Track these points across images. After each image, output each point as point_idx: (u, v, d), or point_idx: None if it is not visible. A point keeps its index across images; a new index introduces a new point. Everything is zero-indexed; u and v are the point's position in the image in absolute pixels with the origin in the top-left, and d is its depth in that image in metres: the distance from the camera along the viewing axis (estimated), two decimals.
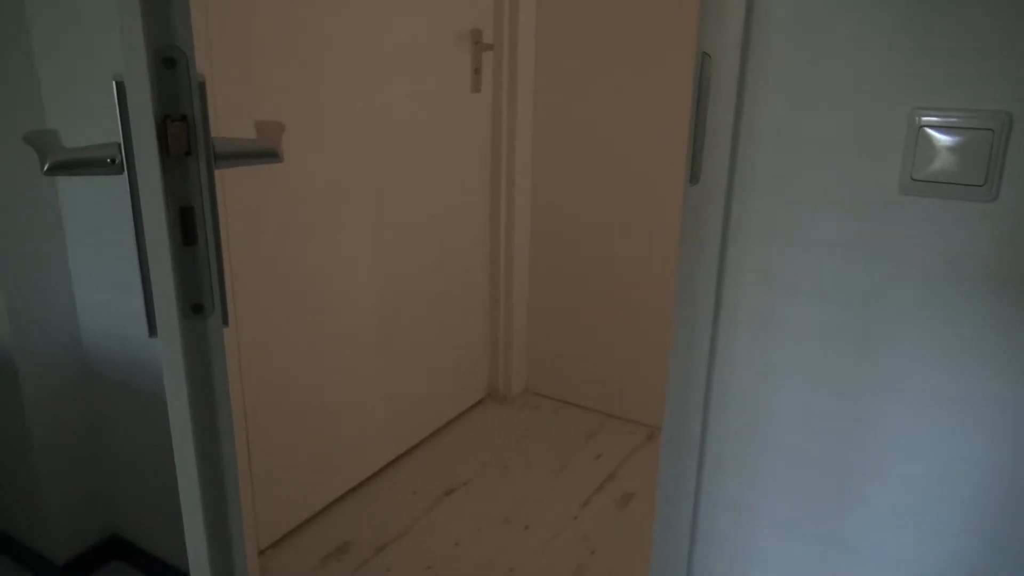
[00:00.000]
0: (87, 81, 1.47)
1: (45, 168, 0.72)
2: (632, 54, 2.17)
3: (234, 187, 1.59)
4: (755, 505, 1.08)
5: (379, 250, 2.01)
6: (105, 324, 1.65)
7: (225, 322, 0.75)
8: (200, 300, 0.72)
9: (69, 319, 1.69)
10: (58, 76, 1.52)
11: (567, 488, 2.12)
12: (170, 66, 0.68)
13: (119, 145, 0.73)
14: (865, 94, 0.91)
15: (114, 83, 0.70)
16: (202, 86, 0.71)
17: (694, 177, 1.05)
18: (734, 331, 1.04)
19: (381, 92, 1.91)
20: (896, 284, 0.93)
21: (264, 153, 0.77)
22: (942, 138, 0.88)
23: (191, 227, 0.70)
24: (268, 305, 1.74)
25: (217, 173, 0.76)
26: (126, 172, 0.72)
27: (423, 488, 2.12)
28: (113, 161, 0.72)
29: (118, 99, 0.70)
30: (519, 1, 2.23)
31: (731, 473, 1.09)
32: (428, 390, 2.30)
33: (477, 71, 2.21)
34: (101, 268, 1.61)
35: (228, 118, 1.52)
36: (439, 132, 2.13)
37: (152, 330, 0.74)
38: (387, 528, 1.96)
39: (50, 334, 1.66)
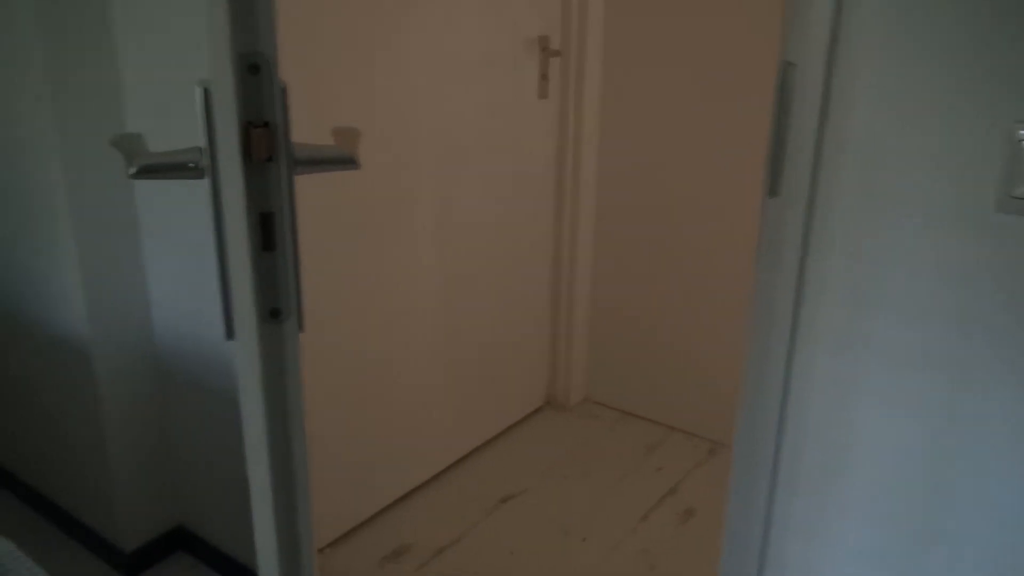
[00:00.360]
0: (165, 84, 1.51)
1: (132, 172, 0.73)
2: (705, 61, 2.13)
3: (301, 190, 1.61)
4: (830, 531, 1.04)
5: (443, 255, 2.02)
6: (176, 321, 1.69)
7: (300, 327, 0.76)
8: (277, 305, 0.73)
9: (142, 315, 1.73)
10: (137, 78, 1.56)
11: (626, 501, 2.09)
12: (254, 72, 0.68)
13: (201, 150, 0.74)
14: (960, 107, 0.86)
15: (200, 88, 0.71)
16: (284, 92, 0.72)
17: (773, 190, 1.02)
18: (812, 349, 1.01)
19: (449, 97, 1.92)
20: (989, 306, 0.88)
21: (343, 160, 0.77)
22: None
23: (271, 232, 0.71)
24: (332, 306, 1.76)
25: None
26: (209, 177, 0.73)
27: (480, 494, 2.11)
28: (196, 166, 0.74)
29: (204, 104, 0.70)
30: (588, 7, 2.22)
31: (805, 495, 1.05)
32: (487, 396, 2.30)
33: (544, 77, 2.20)
34: (173, 267, 1.65)
35: (299, 122, 1.54)
36: (505, 138, 2.13)
37: (230, 333, 0.75)
38: (444, 533, 1.96)
39: (124, 329, 1.71)
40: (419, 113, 1.85)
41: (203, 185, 1.44)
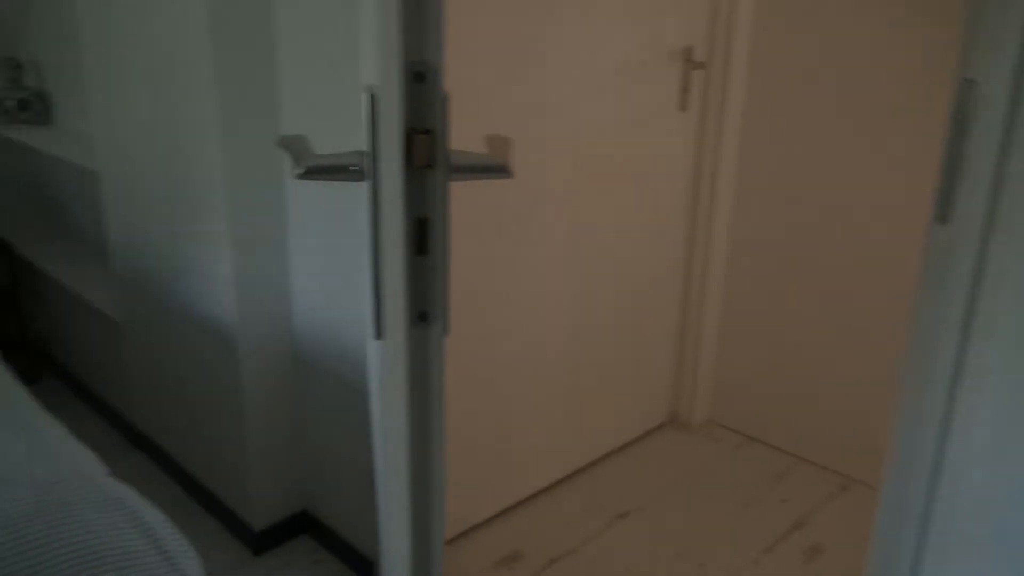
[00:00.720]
0: (318, 87, 1.58)
1: (298, 173, 0.76)
2: (860, 77, 2.02)
3: None
4: None
5: (572, 264, 2.01)
6: (314, 314, 1.77)
7: (446, 330, 0.77)
8: (426, 308, 0.74)
9: (284, 306, 1.82)
10: (292, 81, 1.63)
11: (748, 530, 2.01)
12: (420, 81, 0.70)
13: (363, 153, 0.76)
14: None
15: (367, 95, 0.73)
16: (446, 101, 0.73)
17: (943, 216, 0.94)
18: (978, 397, 0.92)
19: (588, 106, 1.91)
20: None
21: (497, 168, 0.77)
22: None
23: (425, 237, 0.72)
24: (460, 310, 1.78)
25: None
26: (369, 180, 0.75)
27: (596, 508, 2.08)
28: (357, 168, 0.76)
29: (370, 110, 0.72)
30: (736, 19, 2.16)
31: (958, 553, 0.97)
32: (608, 409, 2.27)
33: (686, 89, 2.15)
34: (315, 263, 1.72)
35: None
36: (641, 149, 2.10)
37: (379, 333, 0.77)
38: (558, 543, 1.95)
39: (267, 318, 1.79)
40: (557, 122, 1.85)
41: (350, 187, 1.48)
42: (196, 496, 2.08)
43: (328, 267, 1.70)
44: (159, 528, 1.03)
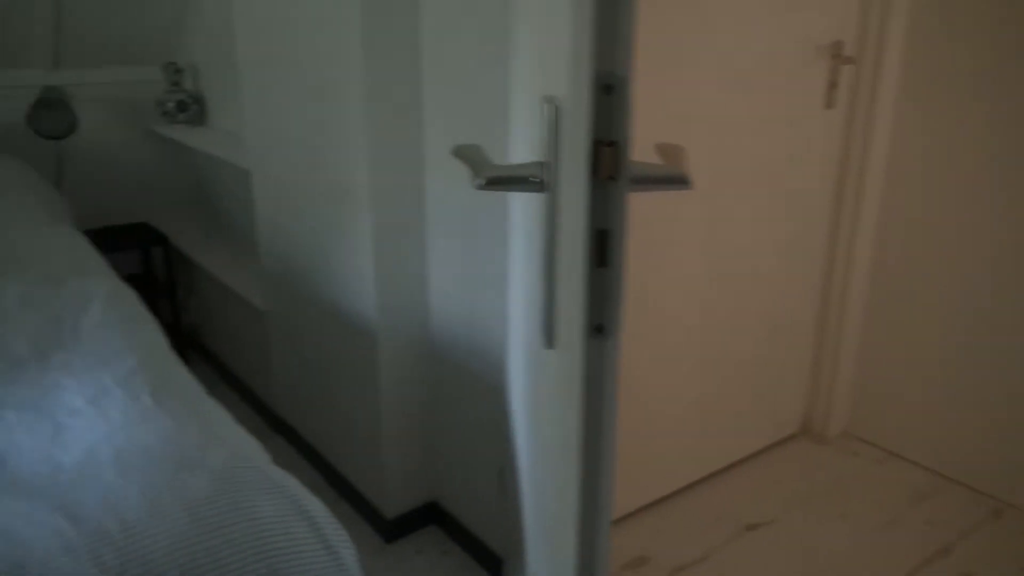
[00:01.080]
0: (457, 93, 1.60)
1: (479, 183, 0.77)
2: None
3: None
4: None
5: (707, 266, 1.96)
6: (450, 311, 1.80)
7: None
8: (603, 322, 0.73)
9: (421, 303, 1.86)
10: (434, 88, 1.67)
11: (888, 552, 1.91)
12: (608, 92, 0.69)
13: (543, 164, 0.76)
14: None
15: (551, 106, 0.73)
16: (630, 112, 0.72)
17: None
18: None
19: (730, 104, 1.86)
20: None
21: (676, 179, 0.76)
22: None
23: (606, 249, 0.71)
24: None
25: None
26: (549, 191, 0.75)
27: (724, 517, 2.03)
28: (538, 180, 0.76)
29: (553, 121, 0.73)
30: (889, 12, 2.04)
31: None
32: (740, 416, 2.21)
33: (833, 85, 2.06)
34: (452, 263, 1.75)
35: None
36: (783, 147, 2.02)
37: (549, 342, 0.77)
38: (685, 550, 1.92)
39: (405, 313, 1.84)
40: (698, 121, 1.81)
41: (486, 193, 1.48)
42: (332, 482, 2.17)
43: (465, 267, 1.72)
44: (320, 517, 1.07)
